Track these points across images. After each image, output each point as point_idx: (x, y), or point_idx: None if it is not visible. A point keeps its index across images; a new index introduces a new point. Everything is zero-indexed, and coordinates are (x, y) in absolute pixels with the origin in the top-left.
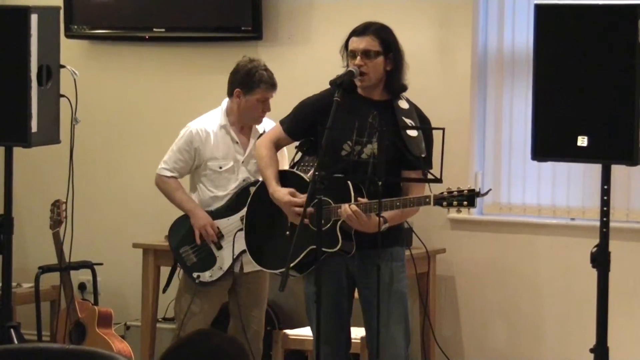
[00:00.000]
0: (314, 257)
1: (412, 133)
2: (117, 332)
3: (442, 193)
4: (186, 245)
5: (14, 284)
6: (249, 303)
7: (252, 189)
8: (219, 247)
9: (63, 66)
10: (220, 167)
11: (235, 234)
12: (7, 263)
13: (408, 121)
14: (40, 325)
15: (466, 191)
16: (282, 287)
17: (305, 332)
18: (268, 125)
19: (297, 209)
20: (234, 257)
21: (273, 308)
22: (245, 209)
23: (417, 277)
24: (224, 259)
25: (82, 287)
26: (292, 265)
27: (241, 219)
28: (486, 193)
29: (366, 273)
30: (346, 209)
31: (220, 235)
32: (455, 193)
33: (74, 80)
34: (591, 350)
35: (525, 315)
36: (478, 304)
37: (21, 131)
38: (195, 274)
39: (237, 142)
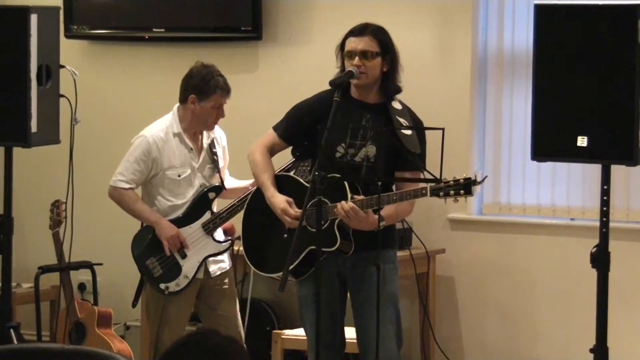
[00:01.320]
0: (311, 261)
1: (407, 131)
2: (116, 332)
3: (439, 183)
4: (151, 257)
5: (13, 284)
6: (218, 304)
7: (211, 195)
8: (183, 256)
9: (63, 66)
10: (179, 176)
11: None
12: (7, 263)
13: (402, 120)
14: (40, 326)
15: (462, 180)
16: (281, 287)
17: (304, 332)
18: (217, 131)
19: (289, 219)
20: (199, 264)
21: (273, 308)
22: (207, 215)
23: (416, 277)
24: (189, 267)
25: (81, 287)
26: (291, 267)
27: (203, 226)
28: (482, 181)
29: (358, 275)
30: (343, 206)
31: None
32: (452, 183)
33: (74, 80)
34: (591, 350)
35: (525, 316)
36: (478, 304)
37: (21, 131)
38: (162, 285)
39: (191, 149)
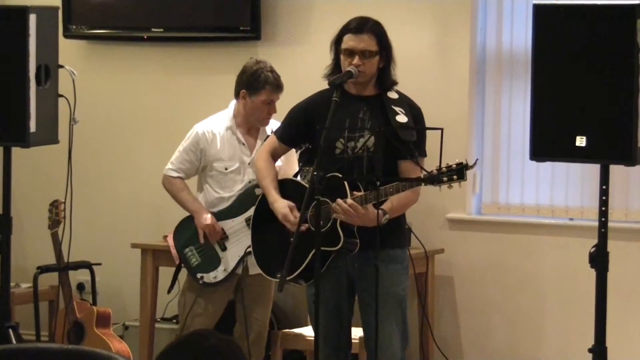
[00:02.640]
0: (320, 262)
1: (401, 119)
2: (115, 332)
3: (431, 171)
4: (191, 245)
5: (12, 284)
6: (252, 305)
7: (258, 191)
8: (224, 249)
9: (61, 66)
10: (226, 169)
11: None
12: (6, 263)
13: (398, 109)
14: (38, 326)
15: (454, 165)
16: (280, 288)
17: (303, 332)
18: (275, 127)
19: (289, 225)
20: (240, 258)
21: (272, 308)
22: (251, 210)
23: (415, 278)
24: (228, 260)
25: (80, 287)
26: (298, 272)
27: (246, 221)
28: (474, 165)
29: (365, 275)
30: (341, 204)
31: (225, 237)
32: (444, 169)
33: (73, 80)
34: (590, 350)
35: (524, 316)
36: (477, 304)
37: (20, 131)
38: (199, 275)
39: (243, 144)
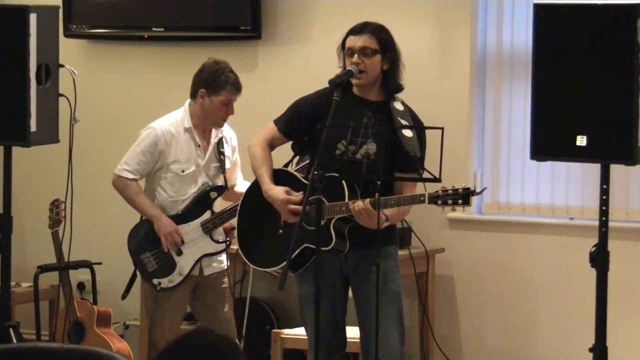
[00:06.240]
0: (307, 255)
1: (408, 134)
2: (116, 331)
3: (437, 191)
4: (147, 251)
5: (13, 283)
6: (214, 304)
7: (213, 194)
8: (179, 253)
9: (62, 65)
10: (183, 171)
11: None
12: (6, 262)
13: (404, 122)
14: (39, 325)
15: (461, 190)
16: (281, 286)
17: (304, 332)
18: (227, 131)
19: (292, 207)
20: (195, 262)
21: (272, 307)
22: (206, 214)
23: (416, 277)
24: (184, 265)
25: (81, 286)
26: (286, 263)
27: (201, 225)
28: (481, 192)
29: (359, 273)
30: (359, 204)
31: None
32: (450, 192)
33: (73, 79)
34: (590, 350)
35: (524, 315)
36: (477, 303)
37: (20, 130)
38: (155, 281)
39: (199, 146)
